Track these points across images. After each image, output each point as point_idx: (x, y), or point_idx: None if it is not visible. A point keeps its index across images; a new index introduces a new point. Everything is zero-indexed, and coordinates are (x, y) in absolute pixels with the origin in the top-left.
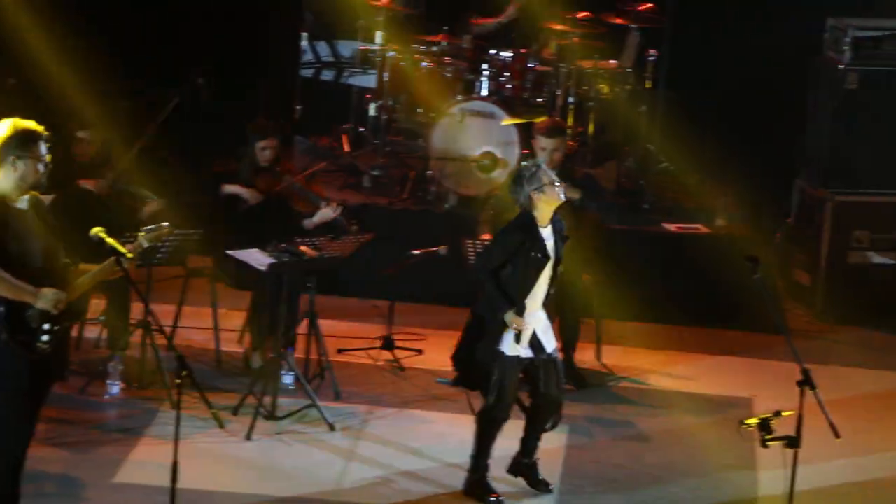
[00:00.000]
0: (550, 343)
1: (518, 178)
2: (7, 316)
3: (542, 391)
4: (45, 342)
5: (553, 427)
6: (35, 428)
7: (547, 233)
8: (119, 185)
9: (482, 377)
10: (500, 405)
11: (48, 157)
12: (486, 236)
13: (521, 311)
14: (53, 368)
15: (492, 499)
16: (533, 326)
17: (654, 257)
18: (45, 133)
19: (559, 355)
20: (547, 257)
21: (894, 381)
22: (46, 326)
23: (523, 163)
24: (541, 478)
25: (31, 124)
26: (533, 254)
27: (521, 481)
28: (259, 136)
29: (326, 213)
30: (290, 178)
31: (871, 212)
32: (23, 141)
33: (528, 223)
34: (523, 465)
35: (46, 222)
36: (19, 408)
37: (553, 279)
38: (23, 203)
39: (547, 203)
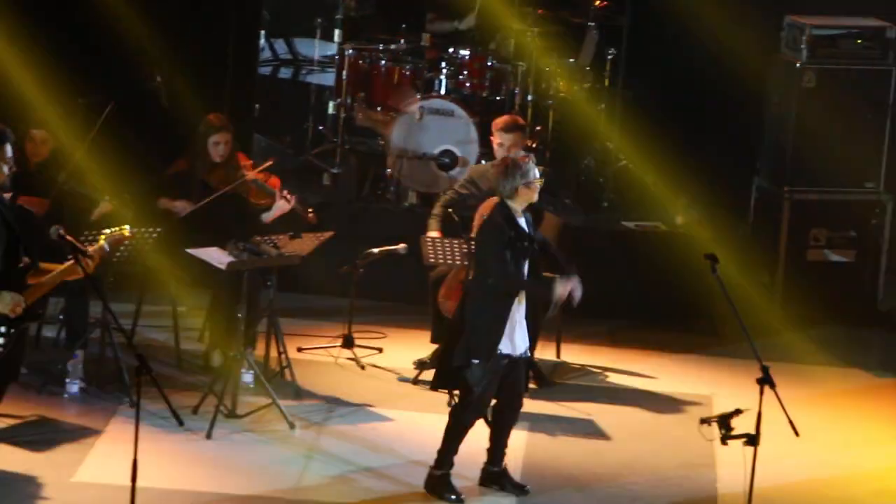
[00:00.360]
0: (525, 341)
1: (512, 169)
2: None
3: (506, 397)
4: (0, 344)
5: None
6: None
7: (524, 222)
8: (70, 186)
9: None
10: (482, 399)
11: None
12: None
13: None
14: (8, 369)
15: (453, 497)
16: (515, 319)
17: (614, 255)
18: (11, 134)
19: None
20: (532, 244)
21: (853, 379)
22: (2, 329)
23: (518, 153)
24: (516, 481)
25: None
26: (519, 243)
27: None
28: (212, 131)
29: (282, 205)
30: (244, 173)
31: (829, 210)
32: None
33: (509, 215)
34: (494, 473)
35: (7, 223)
36: None
37: (531, 270)
38: None
39: (527, 198)
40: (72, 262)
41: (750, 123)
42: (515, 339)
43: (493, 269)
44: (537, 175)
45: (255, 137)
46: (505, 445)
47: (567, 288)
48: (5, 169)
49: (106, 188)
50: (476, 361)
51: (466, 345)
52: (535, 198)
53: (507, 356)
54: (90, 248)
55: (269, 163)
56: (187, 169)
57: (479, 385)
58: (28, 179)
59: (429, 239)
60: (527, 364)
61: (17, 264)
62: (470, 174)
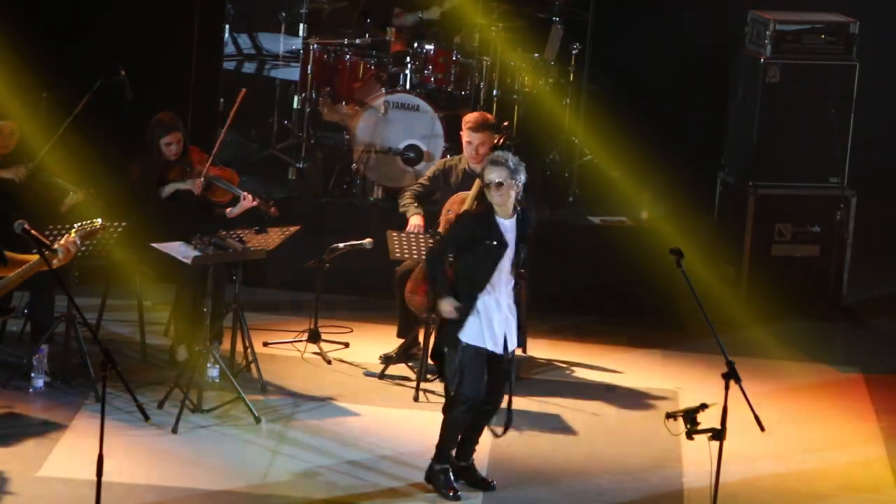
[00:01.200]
0: (513, 341)
1: (485, 164)
2: None
3: (490, 389)
4: None
5: (504, 432)
6: None
7: (508, 223)
8: (39, 177)
9: (445, 367)
10: (462, 397)
11: None
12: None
13: (469, 299)
14: None
15: (450, 494)
16: (494, 318)
17: (579, 250)
18: None
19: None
20: (504, 245)
21: (818, 373)
22: None
23: (499, 152)
24: (482, 476)
25: None
26: (488, 242)
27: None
28: (163, 133)
29: (245, 204)
30: (200, 169)
31: (794, 205)
32: None
33: (484, 212)
34: (460, 468)
35: None
36: None
37: (515, 271)
38: None
39: (490, 197)
40: (39, 256)
41: (714, 118)
42: (497, 336)
43: (435, 242)
44: (494, 179)
45: (218, 132)
46: (475, 441)
47: (445, 308)
48: None
49: (72, 180)
50: (446, 350)
51: (440, 333)
52: (495, 200)
53: (487, 351)
54: (61, 242)
55: (243, 92)
56: (147, 169)
57: (454, 377)
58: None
59: (395, 234)
60: (510, 362)
61: None
62: (437, 168)
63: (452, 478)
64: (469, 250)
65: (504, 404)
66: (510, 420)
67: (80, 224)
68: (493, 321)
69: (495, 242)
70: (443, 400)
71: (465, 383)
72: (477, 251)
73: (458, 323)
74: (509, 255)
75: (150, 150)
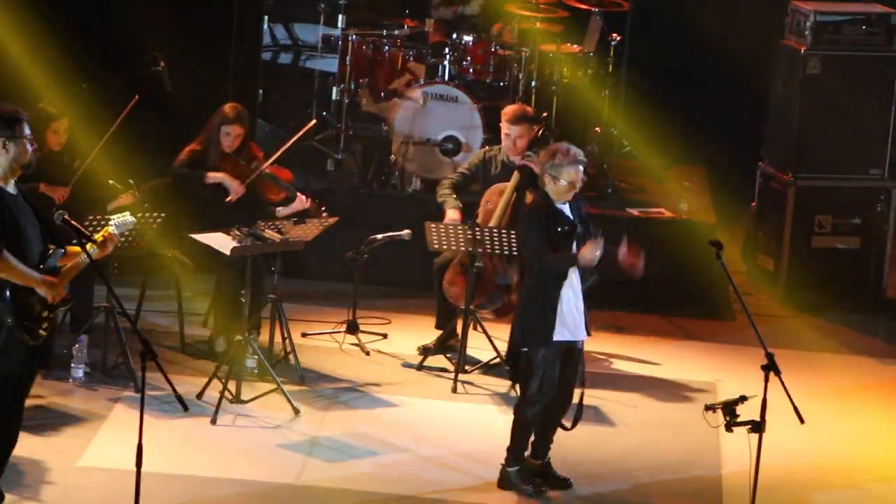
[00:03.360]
0: (581, 333)
1: (551, 154)
2: (12, 301)
3: (562, 381)
4: (44, 329)
5: (574, 426)
6: (21, 413)
7: (568, 208)
8: (89, 178)
9: (522, 367)
10: (537, 397)
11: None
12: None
13: (551, 295)
14: (42, 356)
15: (530, 489)
16: (570, 305)
17: (618, 242)
18: (23, 114)
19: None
20: (575, 227)
21: (859, 365)
22: (45, 314)
23: (566, 144)
24: (559, 476)
25: (10, 106)
26: (560, 230)
27: None
28: (225, 121)
29: (297, 206)
30: (257, 166)
31: (834, 196)
32: (8, 123)
33: (542, 202)
34: (537, 467)
35: (33, 207)
36: (6, 392)
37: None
38: (11, 188)
39: (550, 188)
40: (100, 243)
41: (754, 110)
42: (570, 326)
43: (527, 249)
44: (568, 177)
45: (258, 123)
46: (550, 439)
47: (592, 249)
48: (29, 147)
49: (112, 174)
50: (525, 350)
51: (519, 333)
52: (566, 197)
53: (566, 343)
54: (100, 234)
55: (282, 151)
56: (200, 152)
57: (530, 377)
58: (47, 166)
59: (433, 225)
60: (580, 352)
61: (47, 251)
62: (476, 158)
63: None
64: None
65: (575, 398)
66: (580, 413)
67: (116, 217)
68: (569, 310)
69: (567, 227)
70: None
71: (541, 384)
72: (552, 242)
73: (538, 322)
74: (576, 239)
75: (209, 139)
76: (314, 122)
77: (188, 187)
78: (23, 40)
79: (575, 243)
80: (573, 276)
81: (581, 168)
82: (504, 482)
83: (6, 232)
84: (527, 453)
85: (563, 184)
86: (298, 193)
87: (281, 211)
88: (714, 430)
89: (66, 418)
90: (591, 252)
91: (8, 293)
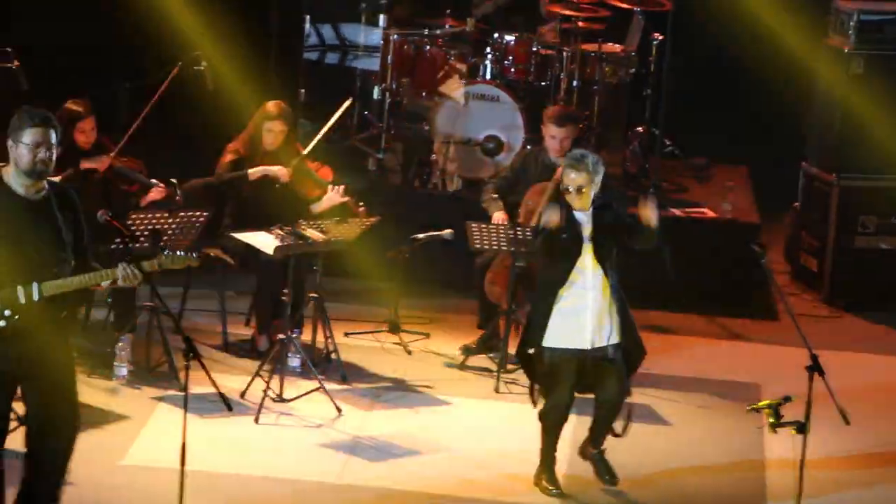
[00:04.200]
0: (607, 337)
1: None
2: None
3: (598, 395)
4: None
5: (623, 433)
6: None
7: (584, 216)
8: (119, 170)
9: (538, 371)
10: (553, 403)
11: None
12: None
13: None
14: (26, 358)
15: (551, 490)
16: (587, 313)
17: (661, 242)
18: (41, 118)
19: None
20: (579, 239)
21: None
22: (7, 313)
23: (579, 151)
24: (609, 467)
25: (24, 109)
26: (564, 236)
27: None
28: (266, 119)
29: (333, 197)
30: (297, 162)
31: (878, 196)
32: (14, 126)
33: (563, 204)
34: (589, 453)
35: (65, 216)
36: None
37: (603, 264)
38: (26, 190)
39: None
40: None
41: (797, 109)
42: (586, 332)
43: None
44: (571, 186)
45: (300, 122)
46: (604, 430)
47: (651, 209)
48: (27, 153)
49: (153, 173)
50: (531, 352)
51: (522, 338)
52: (574, 204)
53: (578, 351)
54: (148, 263)
55: (349, 102)
56: (242, 154)
57: (542, 382)
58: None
59: (475, 225)
60: (613, 364)
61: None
62: (517, 159)
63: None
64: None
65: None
66: (630, 418)
67: (173, 254)
68: (580, 317)
69: (565, 237)
70: (524, 391)
71: (552, 389)
72: (559, 244)
73: (541, 327)
74: (588, 248)
75: (252, 136)
76: (350, 102)
77: (233, 190)
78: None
79: (587, 256)
80: (588, 284)
81: (571, 171)
82: (536, 481)
83: None
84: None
85: (570, 191)
86: (334, 187)
87: (315, 207)
88: (758, 430)
89: (109, 417)
90: (652, 211)
91: None
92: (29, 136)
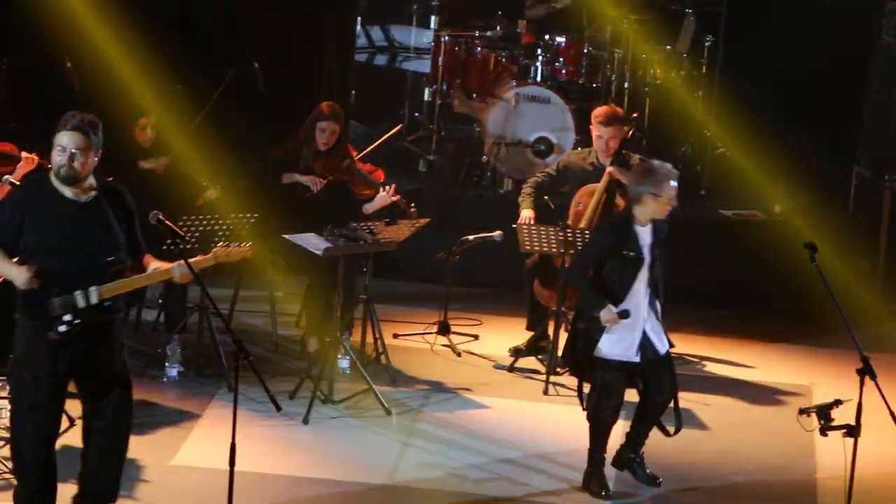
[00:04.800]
0: (663, 345)
1: (650, 172)
2: (25, 298)
3: (649, 395)
4: (60, 333)
5: (676, 432)
6: (60, 409)
7: (645, 232)
8: (176, 171)
9: (587, 374)
10: (604, 406)
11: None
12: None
13: (619, 305)
14: (82, 358)
15: (602, 493)
16: (639, 327)
17: (711, 244)
18: (75, 123)
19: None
20: (641, 257)
21: None
22: (68, 317)
23: (658, 161)
24: (648, 472)
25: (70, 113)
26: (626, 252)
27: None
28: (320, 118)
29: (384, 197)
30: (349, 162)
31: None
32: (55, 128)
33: (623, 221)
34: (628, 459)
35: (116, 214)
36: (37, 393)
37: (652, 281)
38: (74, 193)
39: (652, 209)
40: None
41: (850, 111)
42: (636, 343)
43: (575, 257)
44: (671, 193)
45: (351, 124)
46: (644, 435)
47: (608, 318)
48: (58, 157)
49: (206, 174)
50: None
51: (574, 347)
52: (662, 215)
53: (620, 362)
54: (199, 258)
55: (374, 147)
56: (293, 153)
57: (594, 389)
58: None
59: (524, 226)
60: (667, 366)
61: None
62: (565, 160)
63: (605, 476)
64: (608, 261)
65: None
66: (680, 420)
67: (226, 246)
68: (633, 329)
69: (633, 253)
70: (573, 393)
71: (607, 396)
72: (616, 261)
73: (596, 337)
74: (646, 264)
75: (305, 136)
76: (400, 127)
77: (271, 190)
78: (121, 44)
79: (644, 271)
80: (641, 298)
81: (673, 182)
82: (585, 483)
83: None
84: (621, 444)
85: (665, 200)
86: (384, 187)
87: (367, 208)
88: (808, 433)
89: (160, 417)
90: (608, 319)
91: (22, 292)
92: (61, 139)
